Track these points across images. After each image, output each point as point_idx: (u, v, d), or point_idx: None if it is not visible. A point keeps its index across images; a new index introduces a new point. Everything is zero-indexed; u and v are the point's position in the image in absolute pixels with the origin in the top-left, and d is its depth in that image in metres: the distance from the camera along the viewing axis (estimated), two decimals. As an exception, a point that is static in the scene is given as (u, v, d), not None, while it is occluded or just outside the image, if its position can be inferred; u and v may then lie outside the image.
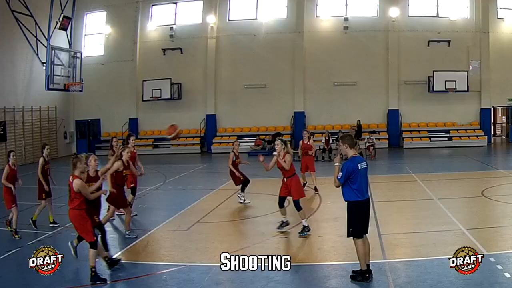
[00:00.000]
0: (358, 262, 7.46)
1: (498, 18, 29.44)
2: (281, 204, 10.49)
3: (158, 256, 9.04)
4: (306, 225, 10.20)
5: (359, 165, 7.33)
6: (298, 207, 10.27)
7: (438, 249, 8.59)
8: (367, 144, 24.74)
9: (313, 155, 15.48)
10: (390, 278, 7.33)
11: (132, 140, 12.44)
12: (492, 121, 32.06)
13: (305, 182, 15.05)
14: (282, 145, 10.60)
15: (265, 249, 9.23)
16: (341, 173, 7.27)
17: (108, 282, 7.78)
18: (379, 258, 8.23)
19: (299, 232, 10.17)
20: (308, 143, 15.23)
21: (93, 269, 7.70)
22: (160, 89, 30.89)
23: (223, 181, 17.67)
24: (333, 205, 12.86)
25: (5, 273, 8.46)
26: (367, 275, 7.34)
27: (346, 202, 7.52)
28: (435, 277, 7.31)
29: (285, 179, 10.43)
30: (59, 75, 27.19)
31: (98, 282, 7.66)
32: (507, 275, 7.17)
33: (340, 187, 7.48)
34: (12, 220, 10.70)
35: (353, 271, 7.51)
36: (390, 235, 9.77)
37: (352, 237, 7.50)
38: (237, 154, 14.21)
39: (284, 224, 10.64)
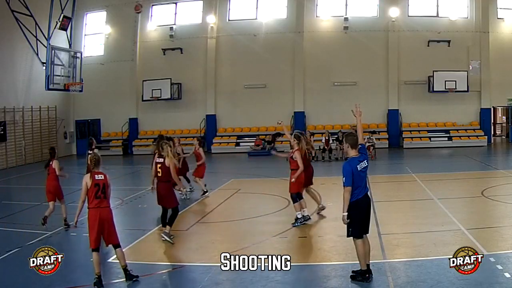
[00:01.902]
0: (358, 262, 7.45)
1: (498, 18, 29.41)
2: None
3: (158, 256, 9.04)
4: (300, 216, 10.81)
5: (358, 166, 7.26)
6: (292, 200, 10.96)
7: (438, 249, 8.59)
8: (367, 144, 24.68)
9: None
10: (390, 278, 7.33)
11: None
12: (492, 121, 32.05)
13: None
14: (295, 140, 11.00)
15: (265, 249, 9.23)
16: (344, 178, 7.20)
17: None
18: (379, 258, 8.23)
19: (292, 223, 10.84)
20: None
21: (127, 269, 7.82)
22: (160, 89, 30.88)
23: (223, 181, 17.68)
24: (333, 205, 12.84)
25: (5, 273, 8.46)
26: (367, 275, 7.34)
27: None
28: (435, 277, 7.31)
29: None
30: (59, 75, 27.20)
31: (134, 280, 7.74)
32: (507, 275, 7.17)
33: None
34: None
35: (353, 271, 7.51)
36: (390, 235, 9.76)
37: (352, 237, 7.48)
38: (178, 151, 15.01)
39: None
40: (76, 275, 8.11)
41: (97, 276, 7.55)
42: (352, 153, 7.38)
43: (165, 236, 9.74)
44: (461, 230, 9.80)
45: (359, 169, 7.25)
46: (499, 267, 7.50)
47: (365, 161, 7.39)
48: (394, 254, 8.52)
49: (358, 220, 7.35)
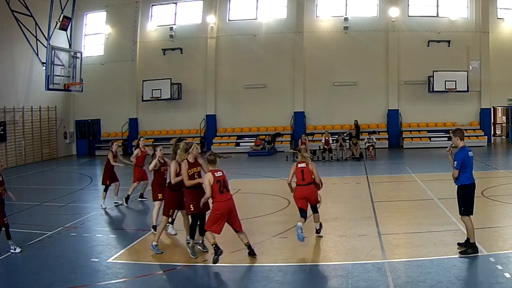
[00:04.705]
0: (468, 237, 8.33)
1: (498, 18, 29.40)
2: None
3: (158, 256, 9.03)
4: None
5: (468, 153, 8.43)
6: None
7: (438, 249, 8.59)
8: (367, 144, 24.70)
9: None
10: (390, 278, 7.32)
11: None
12: (492, 121, 32.03)
13: None
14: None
15: (265, 249, 9.23)
16: (456, 161, 8.35)
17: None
18: (379, 258, 8.23)
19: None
20: None
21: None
22: (160, 89, 30.87)
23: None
24: (332, 205, 12.86)
25: (6, 273, 8.46)
26: (476, 248, 8.18)
27: (457, 186, 8.51)
28: (435, 277, 7.30)
29: None
30: (59, 75, 27.20)
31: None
32: (507, 275, 7.16)
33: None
34: None
35: (460, 244, 8.42)
36: (390, 235, 9.76)
37: (461, 216, 8.44)
38: (115, 153, 14.37)
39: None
40: (76, 275, 8.10)
41: (214, 246, 8.13)
42: (461, 143, 8.54)
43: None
44: (461, 230, 9.79)
45: (469, 155, 8.45)
46: (499, 267, 7.50)
47: (471, 151, 8.56)
48: (394, 254, 8.51)
49: (468, 201, 8.38)
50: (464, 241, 8.52)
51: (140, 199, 14.57)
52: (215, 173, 8.29)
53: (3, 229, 9.46)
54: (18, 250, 9.49)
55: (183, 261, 8.76)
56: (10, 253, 9.37)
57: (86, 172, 23.81)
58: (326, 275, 7.94)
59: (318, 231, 9.91)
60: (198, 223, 8.93)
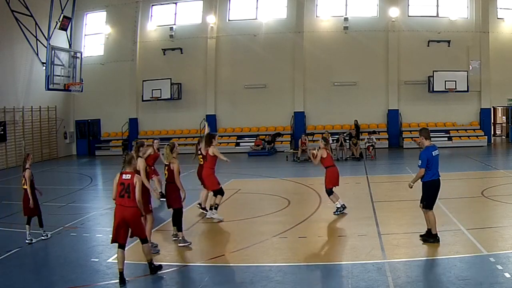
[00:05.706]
0: (429, 228, 9.00)
1: (498, 18, 29.38)
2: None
3: (158, 256, 9.04)
4: (339, 206, 11.87)
5: (433, 153, 8.77)
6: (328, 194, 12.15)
7: (438, 249, 8.60)
8: (367, 144, 24.70)
9: None
10: (390, 278, 7.32)
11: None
12: (492, 121, 32.02)
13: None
14: (323, 142, 12.36)
15: (265, 249, 9.23)
16: (420, 161, 8.76)
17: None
18: (379, 258, 8.23)
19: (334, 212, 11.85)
20: None
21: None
22: (160, 89, 30.86)
23: (223, 181, 17.61)
24: (332, 205, 12.85)
25: (6, 273, 8.45)
26: (437, 238, 8.85)
27: (422, 182, 8.93)
28: (435, 277, 7.31)
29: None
30: (59, 75, 27.20)
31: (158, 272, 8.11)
32: (507, 275, 7.16)
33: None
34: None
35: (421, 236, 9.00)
36: (390, 235, 9.77)
37: (423, 209, 9.03)
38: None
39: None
40: (76, 275, 8.10)
41: (120, 273, 7.77)
42: (427, 143, 8.90)
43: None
44: (461, 230, 9.80)
45: (433, 155, 8.77)
46: (499, 267, 7.50)
47: (437, 150, 8.91)
48: (394, 254, 8.51)
49: (430, 195, 8.91)
50: (425, 232, 9.13)
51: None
52: (123, 175, 7.96)
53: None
54: (49, 235, 10.69)
55: (183, 261, 8.77)
56: (41, 239, 10.39)
57: (86, 172, 23.81)
58: (326, 275, 7.95)
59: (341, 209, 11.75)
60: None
